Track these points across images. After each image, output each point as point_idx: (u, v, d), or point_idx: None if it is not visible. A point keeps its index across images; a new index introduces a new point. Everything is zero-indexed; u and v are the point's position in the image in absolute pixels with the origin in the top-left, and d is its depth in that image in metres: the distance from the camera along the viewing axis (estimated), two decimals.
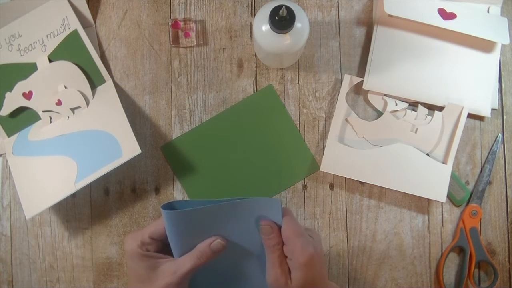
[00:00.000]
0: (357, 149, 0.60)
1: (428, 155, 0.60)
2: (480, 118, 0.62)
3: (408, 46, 0.61)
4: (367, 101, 0.62)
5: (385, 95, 0.61)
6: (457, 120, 0.59)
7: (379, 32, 0.61)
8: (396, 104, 0.60)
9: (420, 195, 0.59)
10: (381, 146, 0.60)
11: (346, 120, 0.61)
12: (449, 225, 0.61)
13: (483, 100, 0.60)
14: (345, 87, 0.61)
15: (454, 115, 0.60)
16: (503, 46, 0.61)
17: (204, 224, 0.47)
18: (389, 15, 0.59)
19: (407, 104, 0.61)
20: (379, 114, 0.61)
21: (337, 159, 0.60)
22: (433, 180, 0.59)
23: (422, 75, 0.61)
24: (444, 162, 0.59)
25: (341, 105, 0.61)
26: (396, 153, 0.60)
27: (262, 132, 0.62)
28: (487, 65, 0.61)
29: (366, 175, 0.59)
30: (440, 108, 0.60)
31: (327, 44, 0.62)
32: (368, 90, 0.61)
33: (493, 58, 0.61)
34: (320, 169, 0.60)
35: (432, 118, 0.60)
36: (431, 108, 0.61)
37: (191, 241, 0.47)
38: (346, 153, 0.60)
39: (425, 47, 0.61)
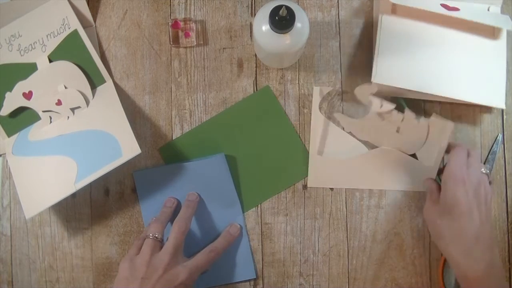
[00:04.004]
0: (340, 159, 0.61)
1: (415, 156, 0.60)
2: (480, 118, 0.62)
3: (414, 38, 0.60)
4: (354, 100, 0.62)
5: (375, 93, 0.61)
6: (442, 132, 0.59)
7: (384, 23, 0.59)
8: (382, 105, 0.60)
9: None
10: (367, 141, 0.61)
11: (332, 116, 0.61)
12: None
13: (495, 91, 0.59)
14: (316, 99, 0.61)
15: (438, 127, 0.59)
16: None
17: (166, 181, 0.61)
18: (393, 5, 0.58)
19: (394, 105, 0.60)
20: (366, 112, 0.61)
21: (322, 173, 0.61)
22: (419, 181, 0.60)
23: (431, 66, 0.59)
24: (429, 163, 0.60)
25: (317, 117, 0.61)
26: (380, 157, 0.60)
27: (261, 132, 0.62)
28: (496, 55, 0.60)
29: (354, 182, 0.61)
30: (426, 114, 0.61)
31: (327, 44, 0.63)
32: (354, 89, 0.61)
33: (500, 48, 0.60)
34: (308, 186, 0.61)
35: (418, 123, 0.60)
36: (418, 113, 0.61)
37: (157, 197, 0.60)
38: (329, 165, 0.61)
39: (431, 39, 0.60)
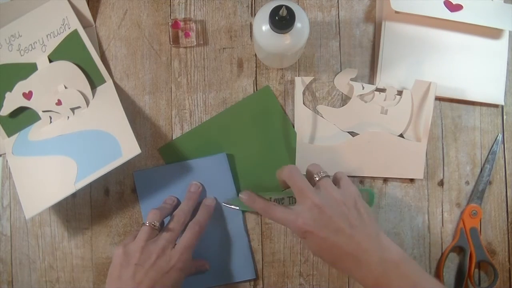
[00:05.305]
0: (326, 146, 0.60)
1: (402, 136, 0.60)
2: (480, 118, 0.62)
3: (417, 41, 0.61)
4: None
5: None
6: (425, 95, 0.59)
7: (387, 28, 0.60)
8: (363, 88, 0.60)
9: (398, 177, 0.60)
10: (352, 131, 0.61)
11: (315, 109, 0.61)
12: (449, 225, 0.61)
13: (495, 88, 0.61)
14: (299, 89, 0.61)
15: (422, 91, 0.60)
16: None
17: (166, 181, 0.61)
18: (396, 12, 0.59)
19: (375, 86, 0.61)
20: (348, 99, 0.62)
21: (309, 160, 0.60)
22: (409, 160, 0.60)
23: (433, 68, 0.61)
24: (418, 140, 0.60)
25: (300, 108, 0.61)
26: (367, 141, 0.60)
27: (261, 132, 0.62)
28: (497, 53, 0.61)
29: (342, 169, 0.60)
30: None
31: (327, 44, 0.63)
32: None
33: (502, 46, 0.61)
34: None
35: (401, 97, 0.60)
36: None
37: (157, 197, 0.60)
38: (317, 152, 0.60)
39: (434, 40, 0.61)
